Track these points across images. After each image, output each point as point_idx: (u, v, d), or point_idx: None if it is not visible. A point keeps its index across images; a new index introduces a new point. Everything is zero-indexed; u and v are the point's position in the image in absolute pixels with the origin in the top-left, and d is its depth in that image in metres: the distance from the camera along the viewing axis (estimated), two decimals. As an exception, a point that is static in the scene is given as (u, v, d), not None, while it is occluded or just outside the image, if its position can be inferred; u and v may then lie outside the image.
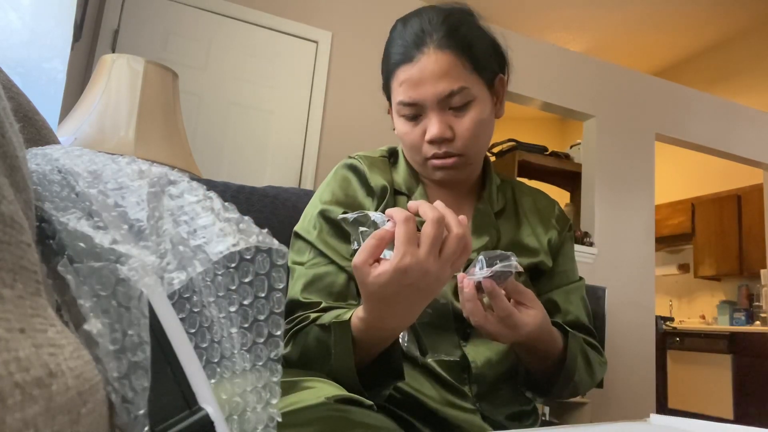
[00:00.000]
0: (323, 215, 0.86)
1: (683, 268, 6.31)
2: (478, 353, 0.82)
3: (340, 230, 0.84)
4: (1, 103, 0.26)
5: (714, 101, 4.75)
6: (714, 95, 4.88)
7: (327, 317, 0.74)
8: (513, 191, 0.99)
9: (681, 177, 6.21)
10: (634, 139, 4.28)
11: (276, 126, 3.23)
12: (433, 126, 0.82)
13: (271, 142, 3.22)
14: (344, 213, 0.83)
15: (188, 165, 1.60)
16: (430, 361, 0.80)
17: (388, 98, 0.91)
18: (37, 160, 0.37)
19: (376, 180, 0.89)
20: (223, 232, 0.27)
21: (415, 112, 0.83)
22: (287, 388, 0.66)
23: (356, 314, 0.68)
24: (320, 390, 0.63)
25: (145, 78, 1.52)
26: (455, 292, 0.81)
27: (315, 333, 0.74)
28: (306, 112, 3.31)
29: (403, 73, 0.82)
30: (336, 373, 0.69)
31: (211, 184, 1.12)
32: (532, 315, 0.72)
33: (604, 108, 4.22)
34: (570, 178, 4.48)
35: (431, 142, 0.83)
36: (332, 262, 0.82)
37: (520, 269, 0.70)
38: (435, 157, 0.84)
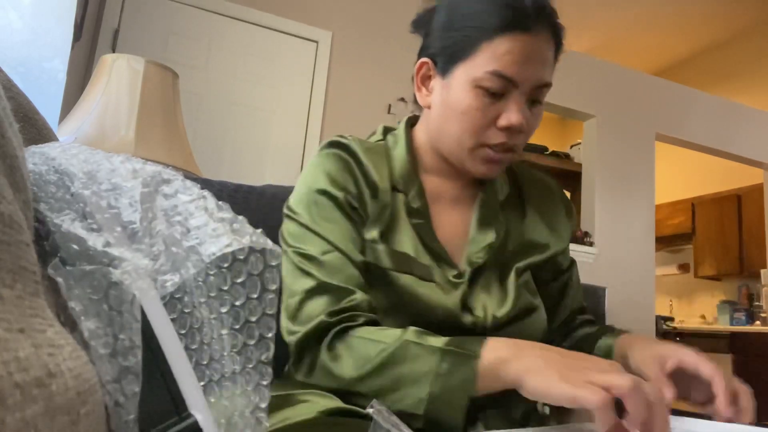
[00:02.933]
0: (326, 196, 0.75)
1: (683, 267, 6.30)
2: None
3: (348, 218, 0.75)
4: (1, 103, 0.25)
5: (714, 101, 4.75)
6: (714, 95, 4.87)
7: (430, 339, 0.63)
8: (516, 177, 0.91)
9: (681, 177, 6.20)
10: (635, 139, 4.28)
11: (276, 126, 3.23)
12: (517, 113, 0.73)
13: (271, 142, 3.22)
14: (355, 203, 0.75)
15: (188, 165, 1.60)
16: None
17: (449, 58, 0.76)
18: (34, 159, 0.37)
19: (373, 173, 0.79)
20: (216, 233, 0.27)
21: (502, 89, 0.73)
22: (281, 403, 0.64)
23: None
24: (314, 404, 0.62)
25: (145, 78, 1.52)
26: (460, 305, 0.75)
27: (416, 350, 0.63)
28: (306, 112, 3.31)
29: (514, 42, 0.71)
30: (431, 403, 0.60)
31: (208, 184, 1.12)
32: None
33: (605, 108, 4.21)
34: (570, 177, 4.48)
35: (506, 129, 0.74)
36: (344, 255, 0.73)
37: None
38: (499, 148, 0.75)
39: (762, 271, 5.24)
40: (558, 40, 0.78)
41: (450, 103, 0.76)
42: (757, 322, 5.30)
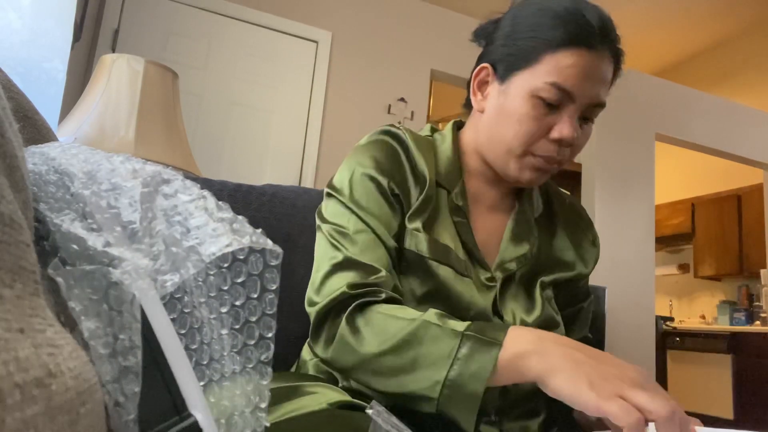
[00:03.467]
0: (374, 181, 0.76)
1: (683, 268, 6.30)
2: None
3: (388, 204, 0.76)
4: (1, 103, 0.25)
5: (714, 101, 4.75)
6: (714, 95, 4.87)
7: (452, 323, 0.63)
8: (548, 194, 0.93)
9: (681, 177, 6.20)
10: (634, 139, 4.28)
11: (276, 126, 3.23)
12: (570, 128, 0.74)
13: (271, 142, 3.22)
14: (397, 190, 0.76)
15: (188, 165, 1.60)
16: None
17: (511, 66, 0.77)
18: (34, 159, 0.37)
19: (420, 163, 0.80)
20: (216, 233, 0.27)
21: (558, 101, 0.74)
22: (288, 394, 0.64)
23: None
24: (322, 395, 0.62)
25: (145, 78, 1.52)
26: (492, 307, 0.77)
27: (435, 331, 0.62)
28: (306, 112, 3.31)
29: (577, 57, 0.72)
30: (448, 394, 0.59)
31: (208, 183, 1.11)
32: None
33: (605, 108, 4.21)
34: (570, 177, 4.48)
35: (558, 141, 0.75)
36: (378, 237, 0.74)
37: None
38: (548, 160, 0.77)
39: (762, 271, 5.24)
40: (618, 64, 0.79)
41: (506, 109, 0.77)
42: (757, 322, 5.30)
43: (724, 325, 5.51)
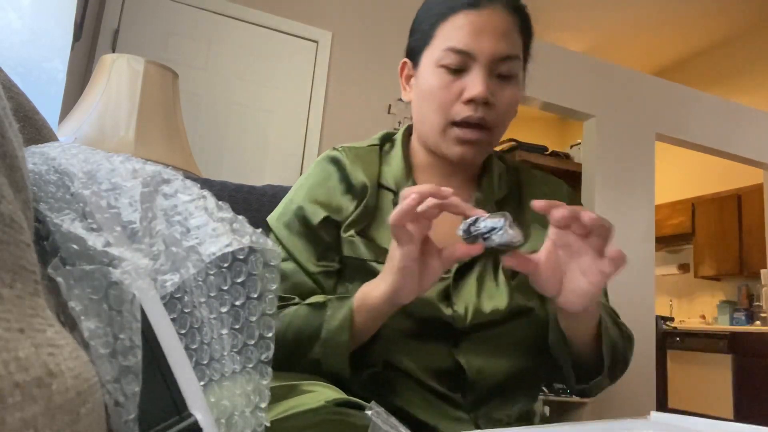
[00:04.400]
0: (298, 214, 0.82)
1: (683, 268, 6.30)
2: (470, 361, 0.77)
3: (311, 233, 0.81)
4: (1, 103, 0.25)
5: (714, 101, 4.75)
6: (714, 95, 4.87)
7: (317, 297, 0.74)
8: (519, 177, 0.92)
9: (681, 177, 6.20)
10: (635, 139, 4.28)
11: (276, 126, 3.23)
12: (478, 84, 0.75)
13: (271, 142, 3.22)
14: (323, 213, 0.82)
15: (188, 165, 1.60)
16: (419, 372, 0.76)
17: (417, 51, 0.83)
18: (34, 159, 0.37)
19: (357, 176, 0.83)
20: (216, 233, 0.27)
21: (461, 64, 0.76)
22: (286, 392, 0.64)
23: (366, 290, 0.69)
24: (320, 394, 0.62)
25: (145, 78, 1.52)
26: (442, 296, 0.77)
27: (304, 311, 0.73)
28: (306, 112, 3.30)
29: (464, 18, 0.76)
30: (323, 351, 0.70)
31: (208, 183, 1.12)
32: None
33: (604, 108, 4.21)
34: (570, 177, 4.48)
35: (471, 101, 0.76)
36: (299, 266, 0.80)
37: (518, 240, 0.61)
38: (466, 124, 0.77)
39: (762, 271, 5.24)
40: (521, 16, 0.81)
41: (421, 89, 0.81)
42: (757, 322, 5.30)
43: (724, 325, 5.51)
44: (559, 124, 6.87)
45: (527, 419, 0.84)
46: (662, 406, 5.14)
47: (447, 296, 0.78)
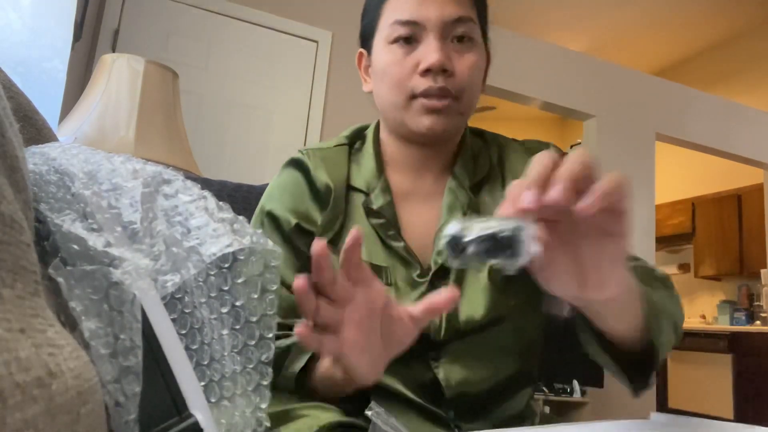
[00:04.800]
0: (270, 222, 0.77)
1: (683, 267, 6.30)
2: (450, 373, 0.72)
3: (286, 241, 0.76)
4: (1, 103, 0.25)
5: (714, 101, 4.74)
6: (714, 95, 4.87)
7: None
8: (500, 151, 0.84)
9: (681, 177, 6.20)
10: (635, 139, 4.28)
11: (276, 126, 3.23)
12: (432, 52, 0.71)
13: (271, 142, 3.22)
14: (294, 220, 0.76)
15: (188, 165, 1.60)
16: (400, 386, 0.72)
17: (368, 36, 0.79)
18: (35, 159, 0.37)
19: (321, 179, 0.78)
20: (216, 233, 0.27)
21: (411, 34, 0.73)
22: (280, 418, 0.62)
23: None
24: (313, 419, 0.60)
25: (145, 78, 1.52)
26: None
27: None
28: (306, 112, 3.30)
29: None
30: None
31: (207, 183, 1.12)
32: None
33: (605, 108, 4.21)
34: (570, 177, 4.48)
35: (428, 71, 0.71)
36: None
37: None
38: (427, 94, 0.72)
39: (762, 271, 5.24)
40: None
41: (377, 71, 0.77)
42: (757, 322, 5.30)
43: (724, 324, 5.50)
44: (559, 124, 6.87)
45: (520, 421, 0.79)
46: (662, 406, 5.14)
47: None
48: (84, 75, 2.66)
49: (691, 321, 5.95)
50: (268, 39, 3.25)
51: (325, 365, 0.62)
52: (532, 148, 0.85)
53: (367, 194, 0.78)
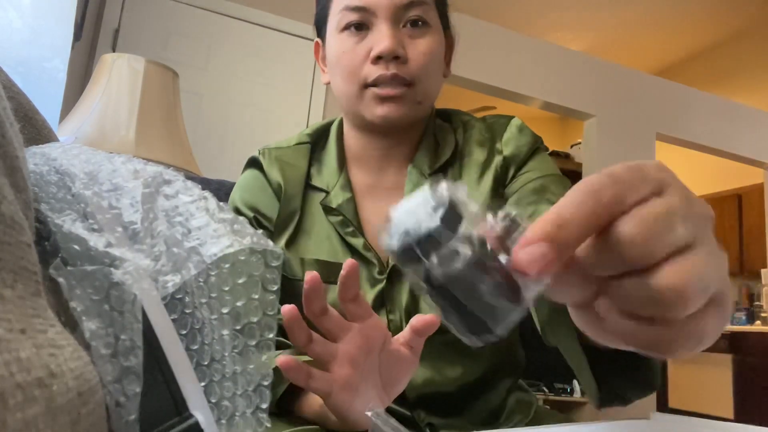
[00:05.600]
0: (236, 213, 0.76)
1: (684, 267, 6.31)
2: (415, 373, 0.66)
3: None
4: (1, 103, 0.25)
5: (714, 101, 4.75)
6: (714, 95, 4.87)
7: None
8: (464, 132, 0.80)
9: (681, 176, 6.11)
10: (635, 139, 4.28)
11: (276, 126, 3.23)
12: (383, 39, 0.68)
13: (270, 142, 3.22)
14: (251, 214, 0.74)
15: (188, 164, 1.60)
16: None
17: (321, 24, 0.78)
18: (35, 159, 0.37)
19: (274, 177, 0.77)
20: (217, 234, 0.27)
21: (362, 20, 0.70)
22: None
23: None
24: None
25: (145, 77, 1.52)
26: (377, 303, 0.70)
27: None
28: (306, 112, 3.31)
29: None
30: None
31: (206, 182, 1.12)
32: None
33: (605, 107, 4.21)
34: (570, 177, 4.47)
35: (379, 58, 0.69)
36: None
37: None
38: (380, 82, 0.69)
39: (762, 271, 5.24)
40: None
41: (330, 60, 0.75)
42: (757, 322, 5.30)
43: (724, 324, 5.50)
44: (559, 123, 6.87)
45: (501, 413, 0.75)
46: (662, 406, 5.14)
47: (383, 302, 0.71)
48: (84, 75, 2.66)
49: (691, 321, 5.95)
50: (268, 39, 3.25)
51: (317, 402, 0.58)
52: (492, 123, 0.81)
53: (327, 192, 0.76)
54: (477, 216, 0.25)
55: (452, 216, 0.25)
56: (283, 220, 0.75)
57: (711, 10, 4.82)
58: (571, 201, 0.25)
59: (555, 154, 4.55)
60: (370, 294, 0.71)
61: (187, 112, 2.22)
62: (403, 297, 0.71)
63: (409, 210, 0.25)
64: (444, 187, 0.26)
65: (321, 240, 0.74)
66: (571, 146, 4.71)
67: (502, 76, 3.78)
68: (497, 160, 0.76)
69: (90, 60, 2.78)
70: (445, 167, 0.76)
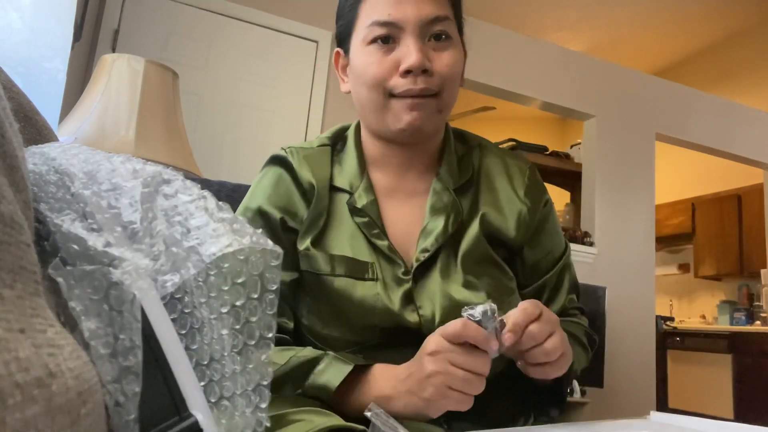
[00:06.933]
0: (258, 217, 0.78)
1: (683, 267, 6.30)
2: None
3: (275, 237, 0.77)
4: (1, 103, 0.25)
5: (714, 101, 4.75)
6: (714, 95, 4.87)
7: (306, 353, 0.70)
8: (480, 156, 0.86)
9: (681, 177, 6.20)
10: (635, 139, 4.28)
11: (276, 126, 3.23)
12: (412, 53, 0.71)
13: (271, 142, 3.21)
14: (279, 215, 0.77)
15: (188, 165, 1.60)
16: None
17: (345, 37, 0.80)
18: (34, 159, 0.37)
19: (305, 177, 0.79)
20: (216, 233, 0.27)
21: (389, 34, 0.73)
22: (273, 424, 0.60)
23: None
24: (308, 423, 0.59)
25: (145, 78, 1.52)
26: (404, 302, 0.74)
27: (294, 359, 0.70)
28: (306, 112, 3.30)
29: None
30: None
31: (206, 183, 1.12)
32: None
33: (605, 108, 4.21)
34: (570, 177, 4.48)
35: (407, 72, 0.72)
36: None
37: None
38: (408, 95, 0.73)
39: (762, 271, 5.24)
40: None
41: (355, 71, 0.77)
42: (757, 322, 5.30)
43: (724, 325, 5.51)
44: (559, 124, 6.87)
45: (518, 414, 0.79)
46: (662, 406, 5.14)
47: (410, 300, 0.74)
48: (84, 75, 2.66)
49: (691, 321, 5.96)
50: (268, 39, 3.25)
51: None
52: (510, 164, 0.86)
53: (350, 193, 0.79)
54: (493, 312, 0.62)
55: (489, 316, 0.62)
56: (313, 218, 0.78)
57: (711, 10, 4.82)
58: (522, 318, 0.63)
59: (555, 155, 4.54)
60: (397, 292, 0.74)
61: (187, 113, 2.22)
62: (433, 290, 0.75)
63: (476, 311, 0.61)
64: (490, 308, 0.62)
65: (347, 238, 0.77)
66: (571, 146, 4.71)
67: (501, 76, 3.78)
68: (521, 207, 0.83)
69: (90, 60, 2.78)
70: (465, 186, 0.82)
